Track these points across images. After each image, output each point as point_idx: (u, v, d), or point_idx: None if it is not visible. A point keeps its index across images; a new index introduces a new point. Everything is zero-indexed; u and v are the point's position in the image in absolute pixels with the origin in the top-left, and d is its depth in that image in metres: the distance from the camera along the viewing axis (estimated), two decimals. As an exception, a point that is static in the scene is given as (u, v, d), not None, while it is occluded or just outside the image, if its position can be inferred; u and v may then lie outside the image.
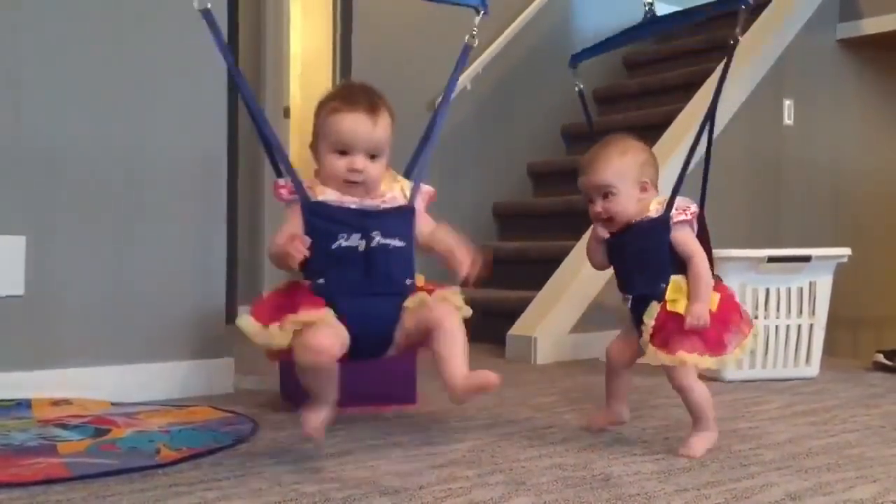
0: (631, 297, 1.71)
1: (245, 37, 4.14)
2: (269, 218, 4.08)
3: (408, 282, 1.55)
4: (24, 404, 1.90)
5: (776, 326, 2.58)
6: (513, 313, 3.19)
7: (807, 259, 2.56)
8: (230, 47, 1.70)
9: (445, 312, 1.51)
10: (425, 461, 1.54)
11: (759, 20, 4.00)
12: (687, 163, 1.77)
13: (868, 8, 4.20)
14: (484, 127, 4.31)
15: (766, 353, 2.58)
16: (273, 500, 1.28)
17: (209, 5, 1.60)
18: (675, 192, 1.70)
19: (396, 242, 1.50)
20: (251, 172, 4.18)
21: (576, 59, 2.08)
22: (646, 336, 1.65)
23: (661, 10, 5.38)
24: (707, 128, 1.81)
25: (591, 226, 1.78)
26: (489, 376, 1.41)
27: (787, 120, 4.02)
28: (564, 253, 3.31)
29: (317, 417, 1.46)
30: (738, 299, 1.76)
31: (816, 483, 1.42)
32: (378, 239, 1.48)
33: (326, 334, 1.41)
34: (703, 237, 1.73)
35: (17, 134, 2.02)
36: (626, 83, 4.84)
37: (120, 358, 2.12)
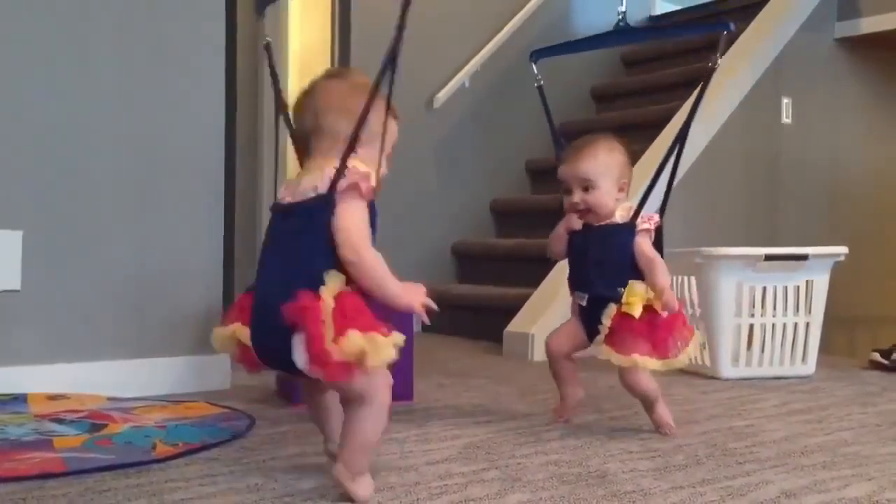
0: (586, 296, 1.76)
1: (244, 35, 4.13)
2: (266, 215, 4.08)
3: None
4: (21, 399, 1.90)
5: (773, 325, 2.58)
6: (510, 310, 3.20)
7: (804, 258, 2.57)
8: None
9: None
10: (421, 457, 1.54)
11: (758, 19, 4.00)
12: (656, 177, 1.81)
13: (866, 7, 4.20)
14: (482, 124, 4.31)
15: (762, 351, 2.58)
16: (269, 496, 1.28)
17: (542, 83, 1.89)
18: (643, 202, 1.78)
19: None
20: (249, 169, 4.18)
21: (537, 55, 2.06)
22: (602, 336, 1.71)
23: (659, 9, 5.40)
24: (676, 149, 1.81)
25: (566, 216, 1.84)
26: (358, 493, 1.25)
27: (786, 118, 4.03)
28: (562, 250, 3.31)
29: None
30: (704, 330, 1.86)
31: (812, 481, 1.42)
32: None
33: None
34: (658, 247, 1.79)
35: (15, 129, 2.02)
36: (625, 80, 4.84)
37: (116, 353, 2.12)
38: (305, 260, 1.24)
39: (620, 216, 1.75)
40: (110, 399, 1.98)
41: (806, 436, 1.78)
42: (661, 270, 1.71)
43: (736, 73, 3.71)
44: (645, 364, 1.67)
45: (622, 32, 2.68)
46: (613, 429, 1.82)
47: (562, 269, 3.25)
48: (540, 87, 2.05)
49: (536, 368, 2.77)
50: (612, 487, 1.36)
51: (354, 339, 1.17)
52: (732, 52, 3.87)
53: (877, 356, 2.79)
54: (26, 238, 2.02)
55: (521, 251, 3.83)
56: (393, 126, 1.36)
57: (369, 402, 1.23)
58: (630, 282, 1.71)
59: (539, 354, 2.97)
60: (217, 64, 2.30)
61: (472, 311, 3.65)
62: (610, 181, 1.74)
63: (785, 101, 4.01)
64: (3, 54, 2.01)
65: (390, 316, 1.25)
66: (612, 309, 1.70)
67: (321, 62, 4.22)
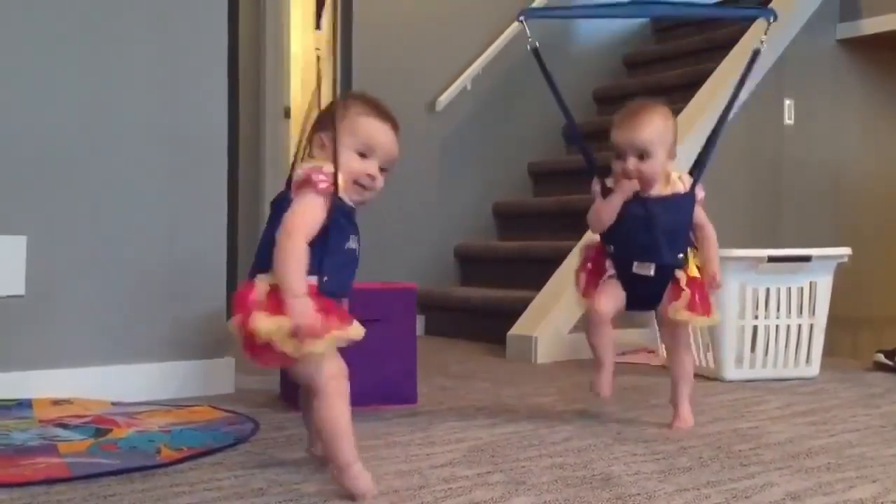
0: (653, 265, 1.76)
1: (245, 37, 4.14)
2: (267, 214, 4.08)
3: None
4: (25, 404, 1.90)
5: (776, 326, 2.58)
6: (513, 313, 3.20)
7: (807, 259, 2.56)
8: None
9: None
10: (425, 461, 1.54)
11: (759, 20, 4.00)
12: (709, 146, 1.88)
13: (868, 8, 4.20)
14: (484, 127, 4.31)
15: (766, 353, 2.58)
16: (274, 501, 1.29)
17: (537, 45, 1.90)
18: (701, 170, 1.84)
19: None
20: (251, 174, 4.18)
21: (528, 14, 2.02)
22: (683, 301, 1.75)
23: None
24: (723, 120, 1.93)
25: (603, 186, 1.81)
26: (357, 486, 1.29)
27: (788, 120, 4.02)
28: (564, 253, 3.31)
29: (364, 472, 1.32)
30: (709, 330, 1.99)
31: (816, 483, 1.42)
32: (358, 242, 1.42)
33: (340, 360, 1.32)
34: None
35: (19, 133, 2.02)
36: (627, 83, 4.83)
37: (120, 358, 2.12)
38: (267, 251, 1.31)
39: (680, 184, 1.79)
40: (115, 404, 1.98)
41: (810, 438, 1.78)
42: (716, 251, 1.81)
43: (737, 74, 3.71)
44: (715, 320, 1.80)
45: (640, 3, 2.49)
46: (618, 431, 1.82)
47: (564, 272, 3.26)
48: (535, 50, 1.99)
49: (540, 371, 2.77)
50: (617, 490, 1.36)
51: (259, 321, 1.23)
52: (734, 54, 3.87)
53: (881, 357, 2.79)
54: (30, 243, 2.03)
55: (523, 253, 3.83)
56: (383, 136, 1.40)
57: (320, 391, 1.28)
58: (689, 248, 1.78)
59: (542, 357, 2.97)
60: (219, 68, 2.30)
61: (475, 314, 3.64)
62: (664, 150, 1.75)
63: (787, 102, 4.00)
64: (6, 60, 2.02)
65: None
66: (683, 276, 1.75)
67: (323, 65, 4.22)
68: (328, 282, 1.32)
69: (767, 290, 2.57)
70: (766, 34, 1.84)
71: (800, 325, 2.60)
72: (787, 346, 2.59)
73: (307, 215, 1.30)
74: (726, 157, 3.66)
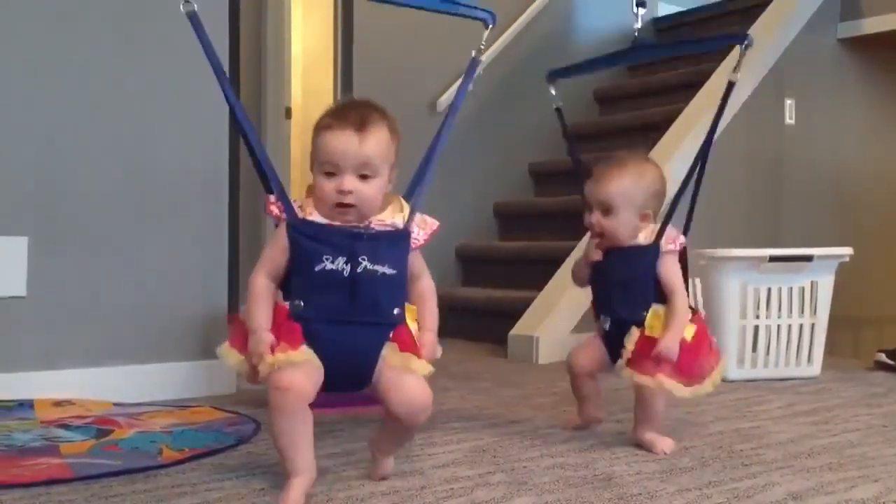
0: (609, 319, 1.72)
1: (246, 38, 4.14)
2: (270, 219, 4.08)
3: (395, 311, 1.37)
4: (27, 405, 1.90)
5: (777, 326, 2.58)
6: (514, 313, 3.20)
7: (808, 259, 2.56)
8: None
9: (419, 409, 1.32)
10: (427, 461, 1.54)
11: (760, 20, 4.00)
12: (679, 193, 1.80)
13: (869, 7, 4.20)
14: (485, 127, 4.31)
15: (767, 352, 2.58)
16: (275, 501, 1.28)
17: (195, 8, 1.56)
18: (667, 222, 1.71)
19: (386, 269, 1.35)
20: (254, 174, 4.17)
21: (554, 74, 2.06)
22: (624, 360, 1.66)
23: (662, 11, 5.40)
24: (701, 161, 1.83)
25: (586, 243, 1.80)
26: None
27: (789, 119, 4.02)
28: (566, 253, 3.31)
29: (296, 494, 1.26)
30: (710, 332, 1.76)
31: (818, 482, 1.42)
32: (365, 264, 1.32)
33: (302, 372, 1.27)
34: (682, 266, 1.73)
35: (20, 135, 2.02)
36: (628, 83, 4.84)
37: (122, 358, 2.12)
38: None
39: (645, 237, 1.68)
40: (116, 405, 1.98)
41: (812, 437, 1.78)
42: (681, 308, 1.64)
43: (739, 73, 3.71)
44: (670, 387, 1.60)
45: (638, 49, 2.55)
46: (619, 431, 1.82)
47: (565, 272, 3.25)
48: (558, 109, 2.04)
49: (541, 371, 2.77)
50: (619, 490, 1.36)
51: (224, 353, 1.36)
52: (735, 53, 3.87)
53: (882, 357, 2.79)
54: (32, 244, 2.03)
55: (524, 254, 3.83)
56: (342, 144, 1.32)
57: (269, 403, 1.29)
58: (653, 306, 1.66)
59: (543, 357, 2.97)
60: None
61: (476, 314, 3.64)
62: (630, 210, 1.66)
63: (788, 102, 4.00)
64: (7, 62, 2.02)
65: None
66: (634, 333, 1.65)
67: (324, 67, 4.23)
68: (305, 306, 1.31)
69: (769, 290, 2.57)
70: (739, 63, 1.80)
71: (801, 325, 2.60)
72: (788, 345, 2.59)
73: (268, 249, 1.38)
74: (727, 157, 3.65)
